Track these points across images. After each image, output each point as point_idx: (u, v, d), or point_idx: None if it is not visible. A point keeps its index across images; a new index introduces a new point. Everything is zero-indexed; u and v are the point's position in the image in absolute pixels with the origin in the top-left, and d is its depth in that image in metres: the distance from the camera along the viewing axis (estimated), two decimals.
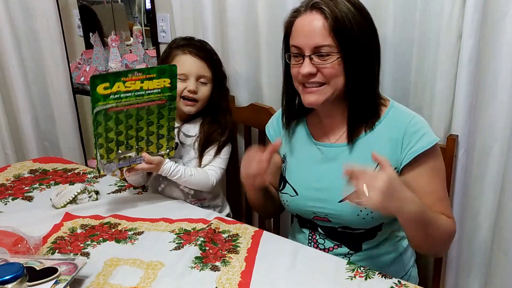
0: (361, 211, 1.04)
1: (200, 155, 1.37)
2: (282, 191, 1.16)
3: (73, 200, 1.27)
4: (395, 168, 1.04)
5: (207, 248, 1.06)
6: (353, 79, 1.01)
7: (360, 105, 1.04)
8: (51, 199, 1.28)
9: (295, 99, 1.13)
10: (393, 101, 1.09)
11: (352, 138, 1.06)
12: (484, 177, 1.29)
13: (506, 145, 1.22)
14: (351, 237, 1.10)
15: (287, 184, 1.15)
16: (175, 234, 1.13)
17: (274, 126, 1.24)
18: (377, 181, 0.86)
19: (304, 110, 1.14)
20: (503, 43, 1.16)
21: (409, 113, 1.07)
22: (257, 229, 1.14)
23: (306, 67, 1.00)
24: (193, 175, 1.31)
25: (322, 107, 1.06)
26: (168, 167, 1.26)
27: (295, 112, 1.16)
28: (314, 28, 0.98)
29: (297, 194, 1.12)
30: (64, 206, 1.26)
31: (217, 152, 1.37)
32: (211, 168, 1.36)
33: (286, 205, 1.17)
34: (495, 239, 1.30)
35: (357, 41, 0.99)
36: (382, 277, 0.93)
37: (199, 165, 1.37)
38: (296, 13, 1.03)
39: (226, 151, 1.39)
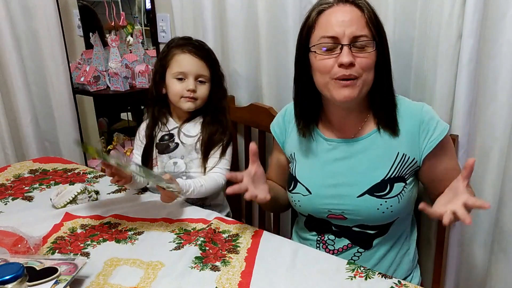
0: (381, 204, 1.04)
1: (204, 157, 1.36)
2: (293, 191, 1.14)
3: (73, 200, 1.27)
4: (414, 159, 1.06)
5: (207, 248, 1.06)
6: (382, 73, 1.03)
7: (386, 99, 1.06)
8: (51, 199, 1.28)
9: (310, 100, 1.11)
10: (396, 94, 1.11)
11: (394, 129, 1.06)
12: (484, 177, 1.29)
13: (506, 145, 1.22)
14: (364, 235, 1.09)
15: (298, 183, 1.13)
16: (175, 234, 1.13)
17: (279, 124, 1.23)
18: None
19: (316, 112, 1.13)
20: (503, 43, 1.16)
21: (416, 103, 1.10)
22: (257, 229, 1.14)
23: (347, 56, 0.97)
24: (203, 185, 1.29)
25: (348, 104, 1.04)
26: (181, 185, 1.25)
27: (311, 113, 1.13)
28: (352, 18, 0.99)
29: (310, 193, 1.11)
30: (64, 206, 1.26)
31: (222, 154, 1.37)
32: (217, 171, 1.35)
33: (297, 206, 1.15)
34: (495, 239, 1.30)
35: (384, 36, 1.03)
36: (382, 277, 0.93)
37: (203, 166, 1.36)
38: (324, 6, 1.01)
39: (230, 152, 1.40)
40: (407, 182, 1.06)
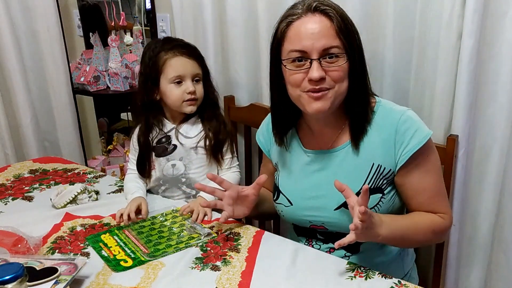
0: None
1: (213, 155, 1.36)
2: (277, 201, 1.15)
3: (73, 200, 1.27)
4: (390, 170, 1.03)
5: (209, 248, 1.06)
6: (355, 82, 0.99)
7: (359, 109, 1.03)
8: (51, 199, 1.28)
9: (286, 111, 1.09)
10: (379, 99, 1.07)
11: (357, 142, 1.04)
12: (484, 177, 1.29)
13: (506, 145, 1.22)
14: None
15: (280, 194, 1.13)
16: None
17: (264, 133, 1.22)
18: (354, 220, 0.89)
19: (293, 119, 1.12)
20: (503, 42, 1.16)
21: (397, 110, 1.04)
22: (259, 229, 1.14)
23: (317, 71, 0.94)
24: None
25: (321, 115, 1.02)
26: (210, 200, 1.25)
27: (286, 124, 1.12)
28: (321, 29, 0.95)
29: (291, 204, 1.11)
30: (64, 206, 1.26)
31: (232, 151, 1.39)
32: (234, 170, 1.40)
33: (281, 215, 1.15)
34: (495, 239, 1.30)
35: (357, 44, 0.99)
36: (382, 277, 0.93)
37: (210, 165, 1.36)
38: (292, 17, 0.98)
39: (232, 146, 1.42)
40: (385, 192, 1.04)
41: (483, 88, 1.22)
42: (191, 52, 1.33)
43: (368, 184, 1.03)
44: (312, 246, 1.13)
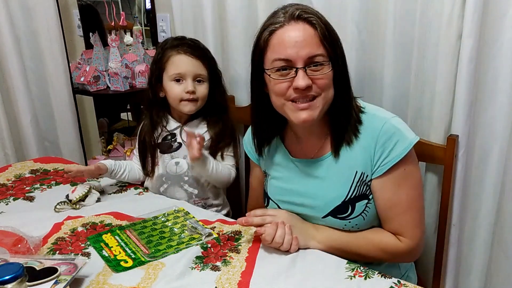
0: (345, 225, 1.04)
1: (215, 156, 1.37)
2: (267, 208, 1.15)
3: (84, 197, 1.27)
4: (362, 173, 1.02)
5: (209, 245, 1.06)
6: (340, 89, 0.99)
7: (343, 116, 1.01)
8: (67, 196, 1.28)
9: (269, 120, 1.08)
10: (364, 105, 1.06)
11: (338, 150, 1.03)
12: (484, 177, 1.29)
13: (506, 145, 1.22)
14: None
15: (270, 200, 1.14)
16: None
17: (251, 142, 1.19)
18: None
19: (276, 128, 1.11)
20: (503, 42, 1.16)
21: (381, 117, 1.02)
22: None
23: (303, 80, 0.93)
24: (218, 169, 1.34)
25: (307, 125, 1.00)
26: (211, 167, 1.30)
27: (266, 134, 1.12)
28: (305, 38, 0.94)
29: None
30: (77, 201, 1.26)
31: (232, 151, 1.41)
32: (232, 168, 1.40)
33: None
34: (495, 239, 1.30)
35: (340, 51, 0.99)
36: (381, 276, 0.93)
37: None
38: (275, 26, 0.96)
39: (235, 149, 1.43)
40: (370, 198, 1.03)
41: (483, 88, 1.22)
42: (197, 52, 1.32)
43: (353, 192, 1.03)
44: None
